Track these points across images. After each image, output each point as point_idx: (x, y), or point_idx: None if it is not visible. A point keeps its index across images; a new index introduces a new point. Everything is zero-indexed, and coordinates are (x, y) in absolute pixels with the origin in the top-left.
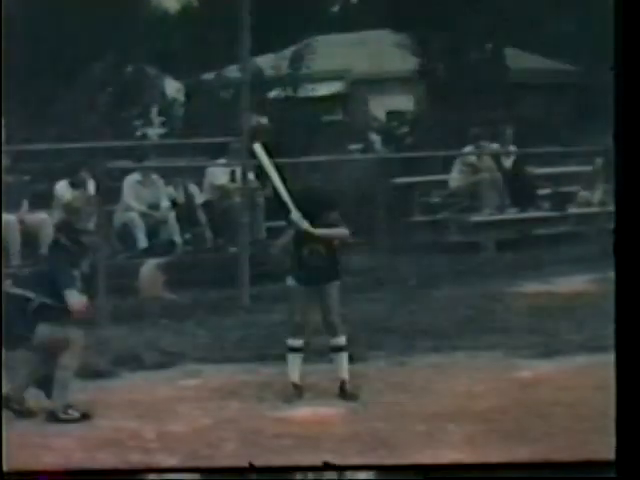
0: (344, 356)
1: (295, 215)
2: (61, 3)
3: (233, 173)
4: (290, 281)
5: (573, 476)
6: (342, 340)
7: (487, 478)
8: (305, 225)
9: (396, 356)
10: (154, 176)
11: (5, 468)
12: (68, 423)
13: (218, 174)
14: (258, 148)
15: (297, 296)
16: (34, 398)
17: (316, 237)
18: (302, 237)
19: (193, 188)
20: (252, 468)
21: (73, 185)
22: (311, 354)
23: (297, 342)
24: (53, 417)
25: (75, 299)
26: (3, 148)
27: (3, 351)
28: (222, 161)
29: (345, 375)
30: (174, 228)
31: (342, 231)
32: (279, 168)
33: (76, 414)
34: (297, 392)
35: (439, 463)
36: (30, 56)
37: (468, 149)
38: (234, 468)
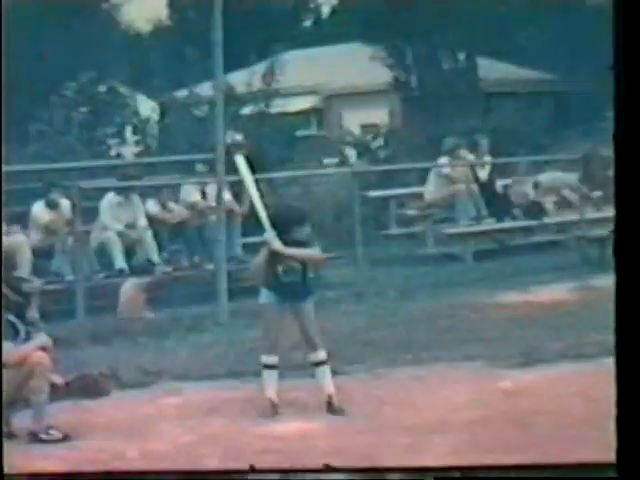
0: (326, 370)
1: (269, 234)
2: (34, 23)
3: (204, 191)
4: (263, 298)
5: (573, 476)
6: (322, 354)
7: (487, 478)
8: (276, 244)
9: (376, 369)
10: (132, 195)
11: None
12: (50, 444)
13: (191, 192)
14: (240, 161)
15: (271, 313)
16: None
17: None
18: (276, 254)
19: (172, 205)
20: (252, 470)
21: (49, 206)
22: (290, 369)
23: (272, 359)
24: (35, 438)
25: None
26: None
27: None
28: (195, 179)
29: (330, 389)
30: (151, 247)
31: (313, 252)
32: (256, 183)
33: (58, 435)
34: (274, 408)
35: (442, 466)
36: (4, 76)
37: (443, 160)
38: (234, 470)
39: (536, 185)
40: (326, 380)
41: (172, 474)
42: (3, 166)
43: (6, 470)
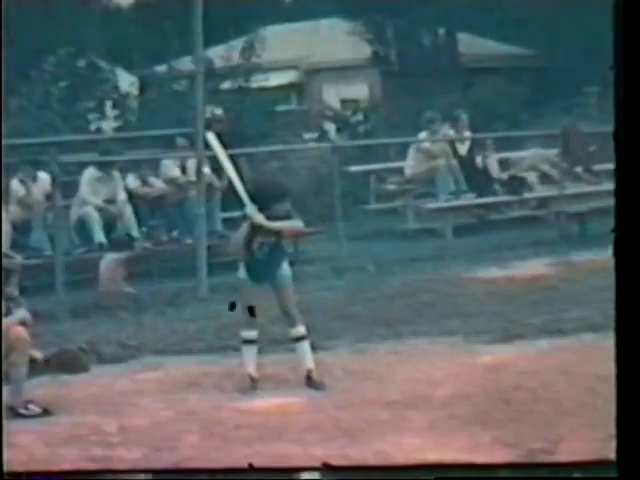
0: (306, 345)
1: (249, 208)
2: None
3: (184, 166)
4: (242, 274)
5: (573, 476)
6: (302, 330)
7: (486, 478)
8: (259, 218)
9: (356, 344)
10: (111, 170)
11: (5, 469)
12: (29, 419)
13: (171, 167)
14: (212, 138)
15: (249, 288)
16: None
17: (268, 229)
18: (254, 230)
19: (152, 180)
20: (251, 468)
21: (26, 181)
22: (269, 344)
23: (251, 334)
24: (13, 413)
25: None
26: None
27: None
28: (175, 153)
29: (310, 364)
30: (131, 222)
31: (295, 223)
32: (233, 158)
33: (37, 409)
34: (253, 383)
35: (443, 463)
36: None
37: (422, 135)
38: (234, 469)
39: (517, 161)
40: (306, 355)
41: (172, 473)
42: None
43: (6, 470)
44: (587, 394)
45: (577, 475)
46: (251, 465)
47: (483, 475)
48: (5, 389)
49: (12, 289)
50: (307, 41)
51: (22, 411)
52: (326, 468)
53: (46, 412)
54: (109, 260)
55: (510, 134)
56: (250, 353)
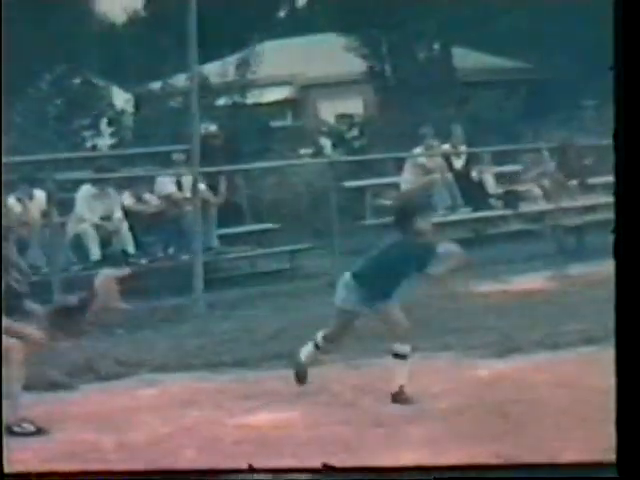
0: (406, 365)
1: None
2: (8, 15)
3: (179, 182)
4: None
5: (573, 476)
6: (407, 348)
7: (486, 478)
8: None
9: (353, 359)
10: (107, 187)
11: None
12: (23, 437)
13: (166, 183)
14: None
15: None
16: None
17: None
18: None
19: (147, 196)
20: (251, 469)
21: (21, 199)
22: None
23: (404, 349)
24: (7, 431)
25: None
26: None
27: None
28: (170, 170)
29: (403, 380)
30: (127, 238)
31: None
32: (231, 174)
33: (31, 428)
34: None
35: (439, 465)
36: None
37: (418, 150)
38: (233, 470)
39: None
40: (403, 374)
41: (172, 474)
42: None
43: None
44: (585, 407)
45: (577, 475)
46: (251, 466)
47: (483, 476)
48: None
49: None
50: (302, 57)
51: (16, 429)
52: (326, 469)
53: (40, 431)
54: (104, 275)
55: (506, 148)
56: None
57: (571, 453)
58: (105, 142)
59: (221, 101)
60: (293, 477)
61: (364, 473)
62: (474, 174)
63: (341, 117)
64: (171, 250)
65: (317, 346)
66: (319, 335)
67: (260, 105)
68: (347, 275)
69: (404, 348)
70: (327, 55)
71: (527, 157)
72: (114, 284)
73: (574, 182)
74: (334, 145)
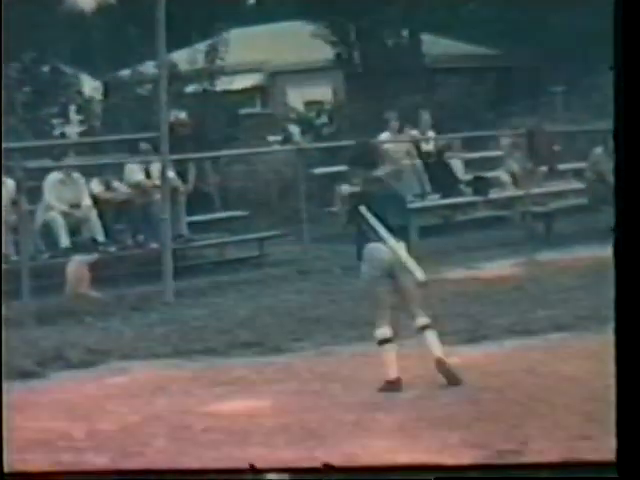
0: (432, 333)
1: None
2: None
3: (148, 170)
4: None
5: (573, 476)
6: (425, 319)
7: (486, 478)
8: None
9: (322, 346)
10: (75, 174)
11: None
12: None
13: (135, 171)
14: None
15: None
16: None
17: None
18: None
19: (116, 184)
20: (252, 469)
21: None
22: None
23: (386, 332)
24: None
25: None
26: None
27: None
28: (139, 158)
29: (439, 352)
30: (96, 226)
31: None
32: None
33: None
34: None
35: (439, 465)
36: None
37: (384, 135)
38: (233, 470)
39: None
40: (434, 343)
41: (172, 473)
42: None
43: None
44: (554, 394)
45: (577, 475)
46: (252, 466)
47: (483, 475)
48: None
49: None
50: (271, 44)
51: None
52: (326, 468)
53: None
54: (76, 262)
55: (475, 134)
56: (390, 353)
57: (540, 440)
58: (74, 130)
59: (190, 88)
60: (293, 477)
61: (364, 473)
62: (443, 160)
63: (310, 104)
64: (140, 238)
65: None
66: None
67: (229, 92)
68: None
69: (423, 320)
70: (296, 42)
71: (496, 143)
72: (86, 271)
73: (543, 168)
74: (303, 132)
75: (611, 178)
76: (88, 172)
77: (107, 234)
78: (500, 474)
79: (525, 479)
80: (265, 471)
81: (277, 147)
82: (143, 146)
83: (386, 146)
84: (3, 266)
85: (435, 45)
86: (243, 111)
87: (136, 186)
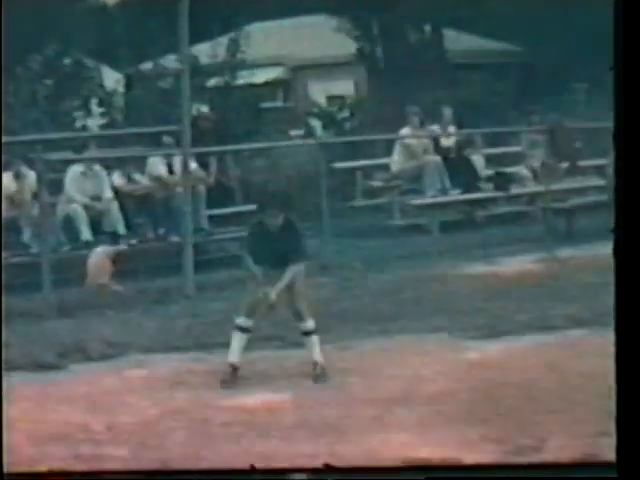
0: (314, 339)
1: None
2: None
3: (170, 163)
4: (253, 265)
5: (573, 476)
6: (311, 324)
7: (486, 478)
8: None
9: (343, 340)
10: (96, 167)
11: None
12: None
13: (157, 164)
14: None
15: (260, 279)
16: None
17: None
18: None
19: (138, 177)
20: (253, 470)
21: (17, 177)
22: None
23: (247, 323)
24: None
25: None
26: None
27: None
28: (161, 151)
29: (317, 357)
30: (117, 219)
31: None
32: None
33: None
34: (234, 373)
35: (439, 464)
36: None
37: (405, 130)
38: (233, 470)
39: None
40: (314, 348)
41: (171, 474)
42: None
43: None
44: (574, 390)
45: (577, 475)
46: (252, 466)
47: (483, 475)
48: None
49: None
50: (293, 38)
51: None
52: (326, 468)
53: None
54: (98, 253)
55: (497, 130)
56: (240, 341)
57: (559, 437)
58: (95, 122)
59: (212, 82)
60: (293, 477)
61: (364, 473)
62: (464, 156)
63: (332, 98)
64: (161, 231)
65: None
66: None
67: (251, 86)
68: None
69: (309, 324)
70: (318, 36)
71: (517, 139)
72: (107, 262)
73: (564, 164)
74: (324, 126)
75: None
76: (109, 165)
77: (128, 227)
78: (500, 474)
79: (525, 479)
80: (265, 471)
81: (298, 141)
82: (166, 139)
83: (407, 141)
84: (24, 259)
85: (457, 41)
86: (264, 105)
87: (158, 179)
